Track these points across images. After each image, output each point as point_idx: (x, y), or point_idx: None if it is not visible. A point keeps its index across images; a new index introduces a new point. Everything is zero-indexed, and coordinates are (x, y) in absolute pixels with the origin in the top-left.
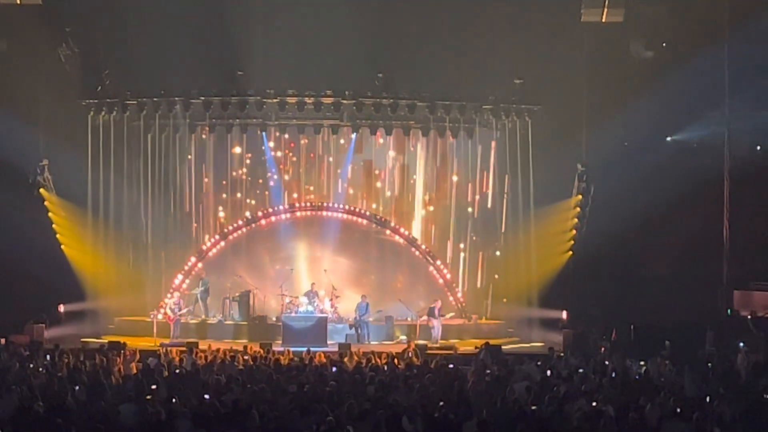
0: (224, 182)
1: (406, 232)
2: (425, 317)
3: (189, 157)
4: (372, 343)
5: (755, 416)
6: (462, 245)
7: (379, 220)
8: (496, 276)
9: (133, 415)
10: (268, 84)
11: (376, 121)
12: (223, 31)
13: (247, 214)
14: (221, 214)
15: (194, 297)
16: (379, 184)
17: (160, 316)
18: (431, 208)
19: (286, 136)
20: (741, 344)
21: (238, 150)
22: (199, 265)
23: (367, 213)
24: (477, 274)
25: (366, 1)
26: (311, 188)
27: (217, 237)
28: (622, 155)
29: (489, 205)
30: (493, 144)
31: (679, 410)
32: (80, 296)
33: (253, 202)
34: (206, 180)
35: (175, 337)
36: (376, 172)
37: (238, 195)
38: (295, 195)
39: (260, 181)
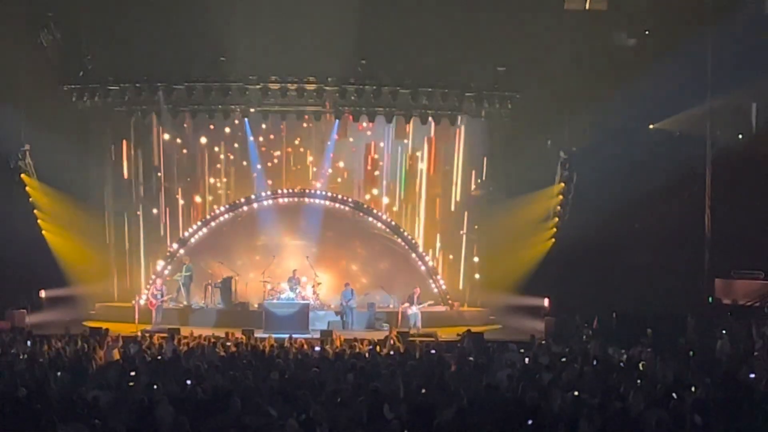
0: (207, 168)
1: (389, 220)
2: (405, 304)
3: (172, 142)
4: (355, 329)
5: (736, 404)
6: (444, 232)
7: (362, 207)
8: (476, 259)
9: (114, 401)
10: (250, 70)
11: (359, 107)
12: (205, 17)
13: (231, 200)
14: (203, 199)
15: (177, 283)
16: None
17: (142, 302)
18: (420, 195)
19: (269, 122)
20: (723, 332)
21: (220, 136)
22: (181, 251)
23: (350, 200)
24: (459, 262)
25: None
26: (294, 174)
27: (199, 223)
28: (605, 143)
29: (471, 193)
30: (476, 131)
31: (660, 398)
32: (62, 282)
33: (236, 188)
34: (188, 166)
35: (156, 323)
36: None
37: (221, 181)
38: (276, 182)
39: (243, 167)
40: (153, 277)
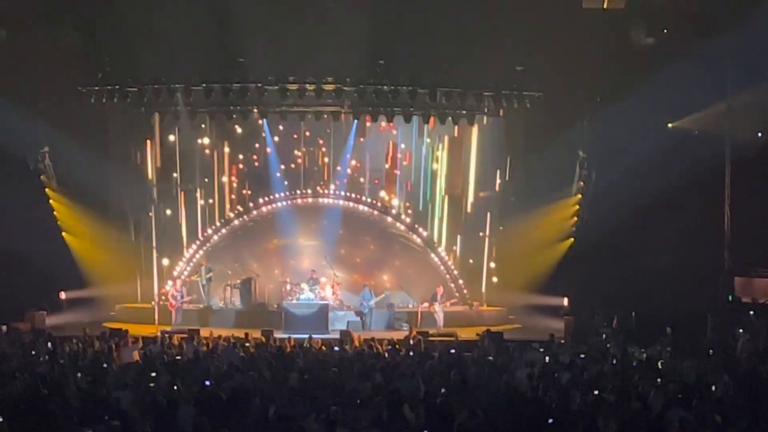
0: (225, 169)
1: (408, 220)
2: (426, 304)
3: (190, 143)
4: (374, 330)
5: (756, 402)
6: (463, 232)
7: (380, 207)
8: (492, 264)
9: (134, 402)
10: (269, 71)
11: (377, 108)
12: (224, 18)
13: (249, 202)
14: (222, 201)
15: (197, 284)
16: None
17: (161, 303)
18: (439, 196)
19: (288, 123)
20: (741, 331)
21: (239, 137)
22: (201, 252)
23: (368, 200)
24: (478, 262)
25: None
26: (312, 175)
27: (218, 224)
28: (624, 142)
29: (490, 192)
30: (494, 130)
31: (680, 397)
32: (81, 283)
33: (254, 189)
34: (207, 167)
35: (176, 324)
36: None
37: (239, 182)
38: (294, 183)
39: (261, 168)
40: (173, 279)
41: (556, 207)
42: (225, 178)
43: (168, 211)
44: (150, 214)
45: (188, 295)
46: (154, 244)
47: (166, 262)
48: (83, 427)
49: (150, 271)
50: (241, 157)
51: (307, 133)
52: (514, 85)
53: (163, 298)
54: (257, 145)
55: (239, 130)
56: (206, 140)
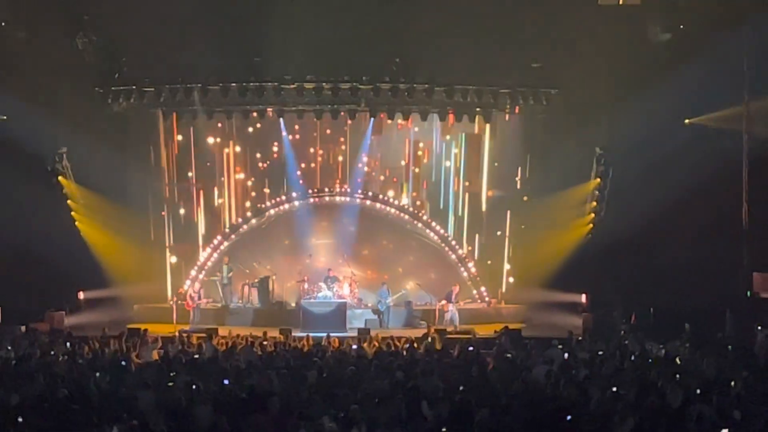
0: (243, 168)
1: (424, 217)
2: (443, 302)
3: (207, 143)
4: (392, 328)
5: None
6: (482, 230)
7: (396, 205)
8: (509, 264)
9: (153, 402)
10: (285, 70)
11: (394, 106)
12: (240, 17)
13: (266, 200)
14: (238, 199)
15: (214, 284)
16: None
17: (179, 303)
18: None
19: (304, 121)
20: (759, 327)
21: (255, 136)
22: (220, 250)
23: (386, 198)
24: (497, 259)
25: None
26: (329, 173)
27: (236, 223)
28: (641, 138)
29: (507, 191)
30: (510, 128)
31: (699, 393)
32: (100, 283)
33: (271, 188)
34: (223, 166)
35: (194, 324)
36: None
37: (257, 181)
38: (311, 181)
39: (278, 166)
40: (196, 267)
41: (573, 204)
42: (242, 177)
43: (182, 211)
44: (162, 213)
45: (205, 296)
46: (167, 244)
47: (173, 260)
48: (103, 426)
49: (168, 271)
50: (258, 156)
51: (328, 131)
52: (531, 82)
53: (181, 297)
54: (274, 144)
55: (256, 129)
56: (222, 139)
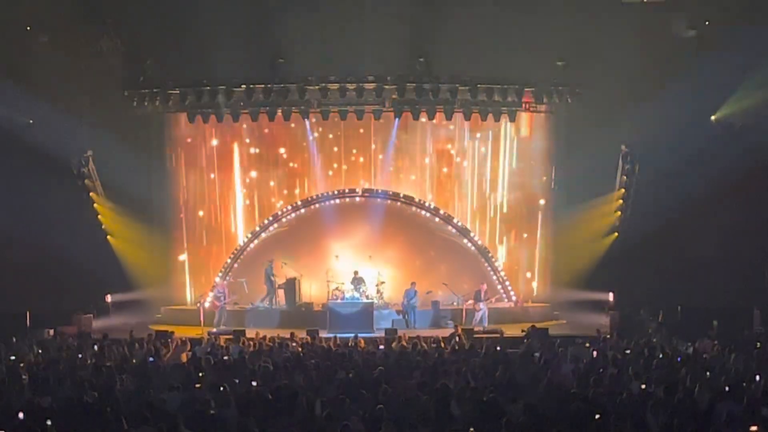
0: (267, 169)
1: (452, 217)
2: (471, 301)
3: (231, 145)
4: (419, 328)
5: None
6: (508, 229)
7: (423, 205)
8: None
9: (180, 404)
10: (309, 71)
11: (418, 105)
12: (264, 19)
13: (292, 201)
14: (265, 201)
15: (241, 285)
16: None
17: (207, 304)
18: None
19: (329, 122)
20: None
21: (280, 137)
22: (250, 246)
23: (412, 198)
24: (524, 258)
25: None
26: (354, 174)
27: (266, 221)
28: (667, 136)
29: (533, 187)
30: (535, 126)
31: (727, 390)
32: (127, 286)
33: (297, 189)
34: (248, 167)
35: (218, 325)
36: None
37: (281, 182)
38: (336, 181)
39: (303, 167)
40: (223, 270)
41: (600, 202)
42: (267, 179)
43: (200, 213)
44: (181, 215)
45: (230, 295)
46: (185, 245)
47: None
48: (131, 429)
49: (194, 273)
50: (285, 156)
51: (348, 132)
52: (556, 80)
53: (202, 297)
54: (299, 145)
55: (280, 129)
56: (244, 140)
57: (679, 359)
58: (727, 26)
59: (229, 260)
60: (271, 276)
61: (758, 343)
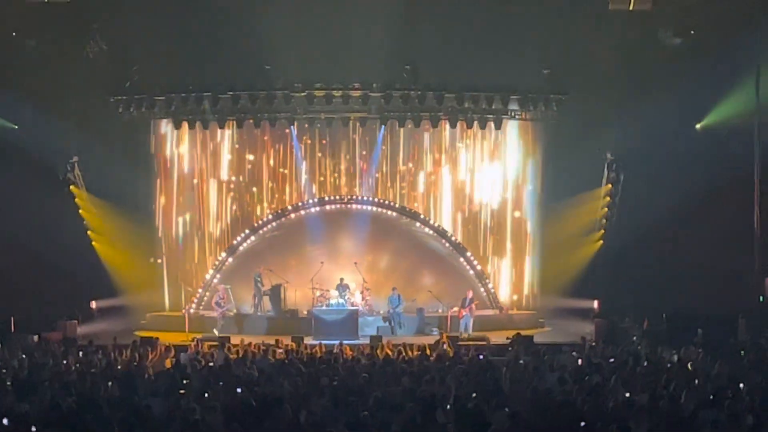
0: (252, 176)
1: (436, 224)
2: (456, 308)
3: (217, 151)
4: (404, 335)
5: None
6: (492, 236)
7: (408, 211)
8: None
9: (164, 410)
10: (295, 78)
11: (404, 113)
12: (250, 26)
13: (277, 208)
14: (250, 208)
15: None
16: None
17: (191, 311)
18: (466, 200)
19: (315, 129)
20: None
21: (266, 144)
22: (230, 260)
23: (396, 205)
24: (510, 266)
25: None
26: (340, 180)
27: (247, 231)
28: (652, 144)
29: (518, 195)
30: (521, 134)
31: (712, 398)
32: (112, 292)
33: (282, 196)
34: (236, 175)
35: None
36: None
37: (266, 189)
38: (322, 188)
39: (288, 174)
40: (202, 286)
41: (584, 210)
42: (252, 185)
43: (185, 218)
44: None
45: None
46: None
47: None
48: None
49: (180, 280)
50: (272, 163)
51: (334, 139)
52: (541, 88)
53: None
54: (282, 152)
55: (266, 136)
56: (231, 146)
57: (664, 367)
58: (713, 35)
59: (211, 271)
60: (259, 283)
61: (743, 352)
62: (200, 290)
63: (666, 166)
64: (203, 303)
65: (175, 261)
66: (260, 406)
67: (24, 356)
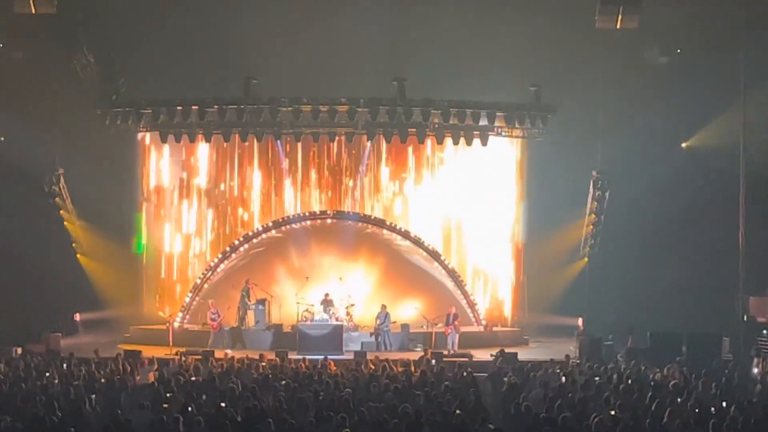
0: (238, 190)
1: (423, 240)
2: (441, 325)
3: (203, 165)
4: (389, 351)
5: None
6: (479, 253)
7: (393, 227)
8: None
9: (148, 423)
10: (282, 92)
11: (391, 128)
12: (237, 40)
13: (263, 222)
14: (236, 221)
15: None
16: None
17: (176, 324)
18: (452, 217)
19: (301, 143)
20: (756, 356)
21: (252, 158)
22: (215, 272)
23: (383, 221)
24: (495, 283)
25: (380, 9)
26: (326, 195)
27: (232, 245)
28: (638, 161)
29: (505, 213)
30: (507, 151)
31: (695, 416)
32: (96, 305)
33: (268, 210)
34: (220, 187)
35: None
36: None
37: (253, 203)
38: (308, 203)
39: (275, 188)
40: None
41: (569, 228)
42: (238, 199)
43: (170, 229)
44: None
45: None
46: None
47: (181, 284)
48: None
49: (163, 293)
50: (257, 177)
51: (320, 153)
52: (528, 105)
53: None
54: (273, 165)
55: (253, 149)
56: (217, 161)
57: (648, 385)
58: (699, 54)
59: (198, 280)
60: (245, 297)
61: (726, 370)
62: (185, 302)
63: (651, 184)
64: (187, 317)
65: (158, 274)
66: (244, 420)
67: (6, 369)
